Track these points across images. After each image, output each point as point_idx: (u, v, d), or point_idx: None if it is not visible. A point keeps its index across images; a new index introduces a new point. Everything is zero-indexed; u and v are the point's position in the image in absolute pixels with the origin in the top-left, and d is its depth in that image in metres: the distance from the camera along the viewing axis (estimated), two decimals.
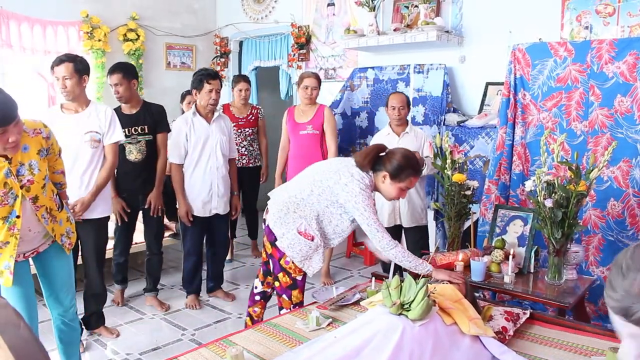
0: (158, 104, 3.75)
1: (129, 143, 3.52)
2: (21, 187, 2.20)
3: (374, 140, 3.89)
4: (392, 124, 3.75)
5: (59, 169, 2.50)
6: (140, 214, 3.74)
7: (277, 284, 2.65)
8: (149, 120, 3.60)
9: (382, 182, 2.48)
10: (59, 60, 2.95)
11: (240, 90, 4.63)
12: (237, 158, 4.61)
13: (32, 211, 2.27)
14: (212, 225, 3.79)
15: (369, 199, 2.42)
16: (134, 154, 3.56)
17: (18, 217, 2.20)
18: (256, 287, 2.88)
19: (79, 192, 3.00)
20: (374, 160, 2.48)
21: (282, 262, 2.59)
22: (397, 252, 2.41)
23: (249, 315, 2.92)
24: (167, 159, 3.69)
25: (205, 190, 3.66)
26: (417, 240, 3.73)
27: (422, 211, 3.73)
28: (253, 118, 4.72)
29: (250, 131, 4.69)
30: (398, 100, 3.69)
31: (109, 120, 3.08)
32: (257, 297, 2.89)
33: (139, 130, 3.56)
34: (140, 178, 3.59)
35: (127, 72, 3.55)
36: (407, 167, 2.45)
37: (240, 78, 4.74)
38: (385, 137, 3.74)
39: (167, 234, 4.47)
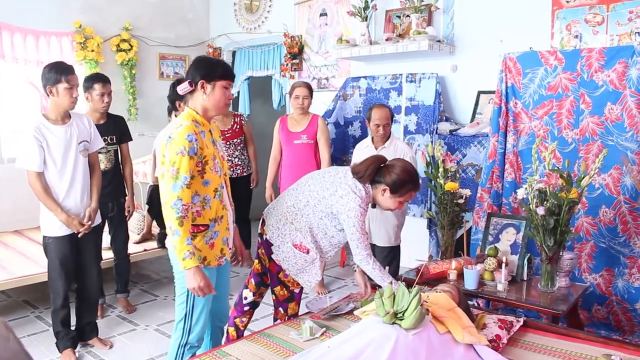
0: (119, 115, 3.86)
1: (100, 152, 3.46)
2: None
3: (355, 152, 3.74)
4: (374, 138, 3.58)
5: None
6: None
7: (273, 296, 2.64)
8: (115, 131, 3.71)
9: (381, 195, 2.47)
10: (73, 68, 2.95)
11: None
12: (230, 168, 4.61)
13: (225, 188, 2.30)
14: None
15: (362, 215, 2.42)
16: (104, 162, 3.61)
17: (224, 187, 2.25)
18: (246, 298, 2.79)
19: (81, 204, 3.00)
20: (375, 173, 2.47)
21: (280, 275, 2.57)
22: (368, 268, 2.45)
23: (235, 325, 2.80)
24: (133, 167, 3.85)
25: None
26: (382, 260, 3.27)
27: (394, 231, 3.55)
28: (238, 127, 4.58)
29: (238, 141, 4.56)
30: (382, 116, 3.46)
31: (93, 128, 3.12)
32: (247, 308, 2.80)
33: (108, 139, 3.62)
34: (110, 186, 3.64)
35: (109, 82, 3.63)
36: (408, 181, 2.45)
37: None
38: (364, 149, 3.61)
39: (159, 244, 4.44)
